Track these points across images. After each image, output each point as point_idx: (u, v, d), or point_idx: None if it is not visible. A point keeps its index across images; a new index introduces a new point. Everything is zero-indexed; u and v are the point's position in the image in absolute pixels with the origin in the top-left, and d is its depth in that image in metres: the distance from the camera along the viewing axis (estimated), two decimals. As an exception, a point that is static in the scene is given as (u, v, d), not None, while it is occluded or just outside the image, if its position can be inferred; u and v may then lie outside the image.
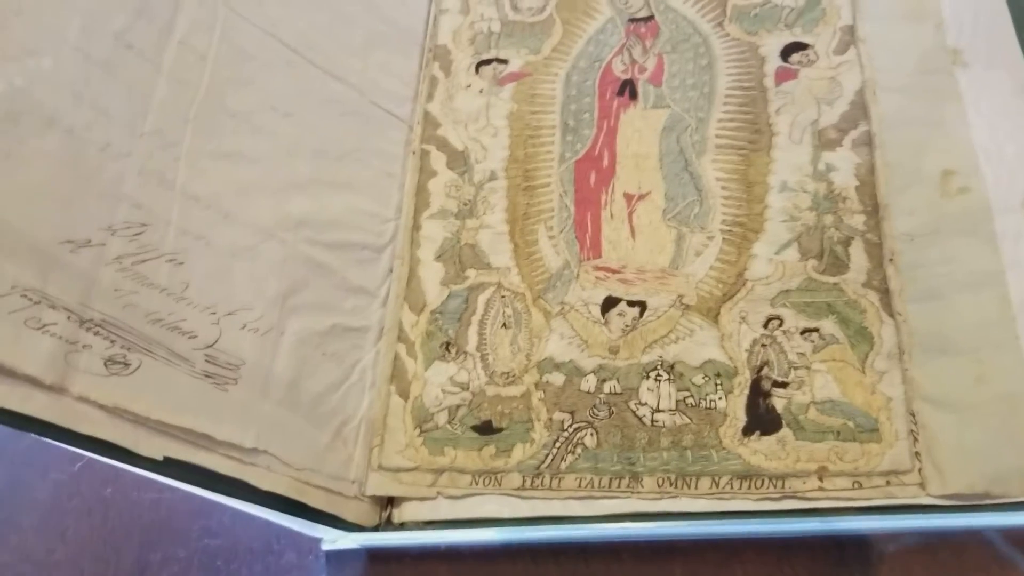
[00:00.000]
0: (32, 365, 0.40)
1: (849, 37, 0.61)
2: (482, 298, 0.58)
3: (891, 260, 0.53)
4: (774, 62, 0.62)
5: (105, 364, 0.43)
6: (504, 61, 0.67)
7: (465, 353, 0.56)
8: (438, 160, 0.64)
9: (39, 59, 0.45)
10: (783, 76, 0.61)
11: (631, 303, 0.56)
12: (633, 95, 0.64)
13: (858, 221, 0.55)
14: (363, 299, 0.57)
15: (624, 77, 0.65)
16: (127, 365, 0.44)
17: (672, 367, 0.53)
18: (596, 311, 0.56)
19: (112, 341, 0.43)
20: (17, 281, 0.41)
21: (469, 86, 0.66)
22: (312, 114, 0.58)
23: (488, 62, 0.67)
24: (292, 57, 0.58)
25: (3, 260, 0.40)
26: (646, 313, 0.55)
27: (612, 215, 0.59)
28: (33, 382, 0.40)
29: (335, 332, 0.55)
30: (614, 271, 0.57)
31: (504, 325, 0.57)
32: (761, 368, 0.52)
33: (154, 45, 0.51)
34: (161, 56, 0.51)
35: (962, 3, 0.60)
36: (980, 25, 0.59)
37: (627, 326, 0.55)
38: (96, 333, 0.43)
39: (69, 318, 0.42)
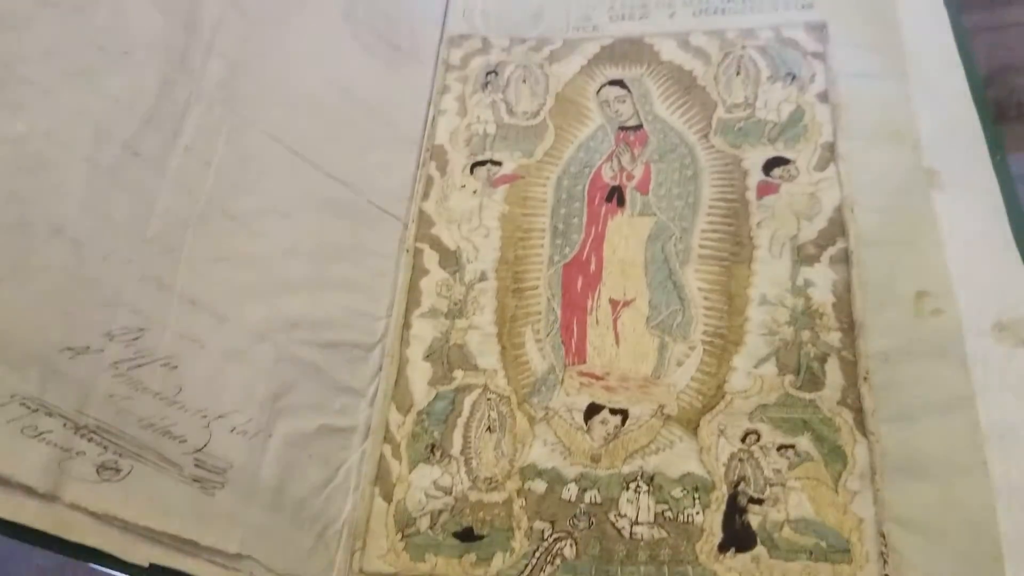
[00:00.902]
0: (28, 474, 0.41)
1: (830, 154, 0.64)
2: (468, 400, 0.59)
3: (865, 379, 0.55)
4: (756, 175, 0.65)
5: (97, 470, 0.45)
6: (498, 163, 0.70)
7: (450, 456, 0.57)
8: (431, 259, 0.66)
9: (50, 171, 0.47)
10: (765, 190, 0.64)
11: (614, 411, 0.57)
12: (621, 202, 0.66)
13: (834, 338, 0.57)
14: (351, 398, 0.59)
15: (613, 183, 0.67)
16: (118, 471, 0.45)
17: (652, 479, 0.54)
18: (579, 417, 0.58)
19: (105, 447, 0.45)
20: (17, 390, 0.42)
21: (463, 186, 0.69)
22: (310, 214, 0.60)
23: (483, 163, 0.70)
24: (294, 160, 0.61)
25: (5, 370, 0.42)
26: (628, 422, 0.57)
27: (598, 320, 0.61)
28: (27, 491, 0.41)
29: (322, 433, 0.56)
30: (598, 378, 0.59)
31: (489, 428, 0.58)
32: (738, 483, 0.53)
33: (161, 151, 0.53)
34: (167, 162, 0.53)
35: (939, 126, 0.63)
36: (956, 148, 0.62)
37: (609, 434, 0.57)
38: (90, 440, 0.44)
39: (65, 425, 0.44)
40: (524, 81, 0.74)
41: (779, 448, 0.54)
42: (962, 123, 0.63)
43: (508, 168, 0.70)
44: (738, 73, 0.70)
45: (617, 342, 0.60)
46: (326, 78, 0.65)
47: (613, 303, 0.62)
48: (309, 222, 0.60)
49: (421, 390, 0.60)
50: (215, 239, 0.54)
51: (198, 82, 0.56)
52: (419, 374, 0.61)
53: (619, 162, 0.68)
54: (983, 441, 0.51)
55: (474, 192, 0.69)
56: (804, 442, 0.54)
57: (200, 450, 0.49)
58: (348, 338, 0.60)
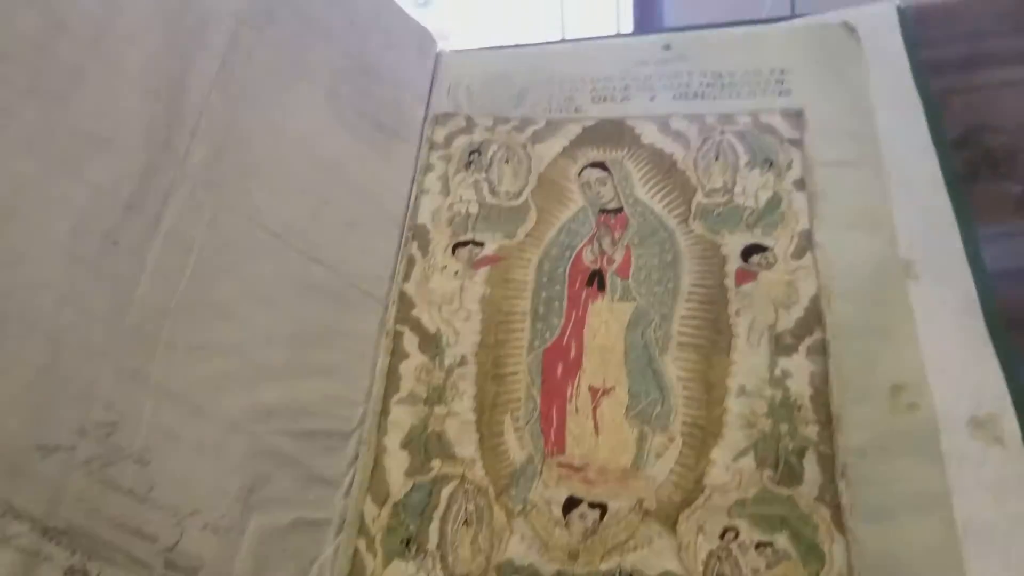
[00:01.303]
0: (-9, 584, 0.41)
1: (806, 242, 0.65)
2: (446, 491, 0.59)
3: (843, 475, 0.55)
4: (735, 262, 0.65)
5: (64, 574, 0.44)
6: (480, 244, 0.70)
7: (426, 551, 0.57)
8: (411, 342, 0.66)
9: (27, 265, 0.47)
10: (743, 277, 0.65)
11: (592, 505, 0.57)
12: (601, 286, 0.67)
13: (812, 431, 0.57)
14: (326, 490, 0.58)
15: (593, 267, 0.68)
16: (86, 574, 0.44)
17: (630, 576, 0.54)
18: (558, 511, 0.57)
19: (73, 551, 0.44)
20: (-16, 494, 0.42)
21: (445, 267, 0.69)
22: (290, 299, 0.61)
23: (465, 244, 0.70)
24: (275, 243, 0.61)
25: (-27, 474, 0.42)
26: (607, 517, 0.57)
27: (577, 409, 0.61)
28: (-9, 600, 0.41)
29: (296, 527, 0.55)
30: (577, 469, 0.59)
31: (466, 522, 0.58)
32: (716, 583, 0.53)
33: (141, 239, 0.53)
34: (147, 250, 0.53)
35: (913, 216, 0.64)
36: (931, 239, 0.63)
37: (588, 529, 0.56)
38: (58, 543, 0.44)
39: (32, 528, 0.43)
40: (507, 161, 0.75)
41: (757, 546, 0.54)
42: (937, 214, 0.64)
43: (490, 249, 0.70)
44: (717, 158, 0.71)
45: (597, 432, 0.60)
46: (310, 159, 0.66)
47: (593, 391, 0.62)
48: (290, 306, 0.60)
49: (398, 480, 0.60)
50: (193, 327, 0.54)
51: (181, 167, 0.57)
52: (396, 463, 0.61)
53: (600, 245, 0.69)
54: (959, 540, 0.51)
55: (456, 273, 0.69)
56: (782, 540, 0.54)
57: (171, 549, 0.48)
58: (325, 426, 0.59)
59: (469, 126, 0.77)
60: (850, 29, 0.75)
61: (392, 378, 0.64)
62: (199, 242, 0.56)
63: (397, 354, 0.65)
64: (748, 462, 0.57)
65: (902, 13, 0.75)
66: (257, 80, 0.63)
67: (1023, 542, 0.51)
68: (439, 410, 0.62)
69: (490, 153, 0.75)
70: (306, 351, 0.60)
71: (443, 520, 0.58)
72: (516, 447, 0.60)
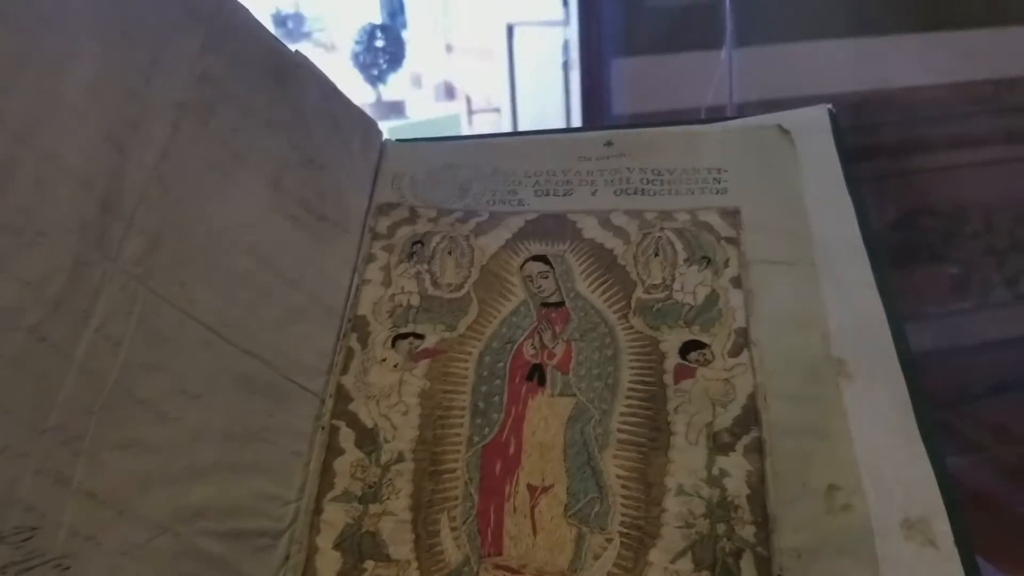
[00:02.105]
0: None
1: (743, 340, 0.67)
2: (379, 595, 0.58)
3: (779, 577, 0.56)
4: (674, 358, 0.67)
5: None
6: (420, 336, 0.71)
7: (356, 661, 0.56)
8: (347, 437, 0.66)
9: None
10: (682, 374, 0.66)
11: (528, 609, 0.57)
12: (542, 381, 0.68)
13: (748, 532, 0.58)
14: (256, 594, 0.57)
15: (534, 361, 0.69)
16: None
17: None
18: (493, 615, 0.57)
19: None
20: None
21: (384, 360, 0.70)
22: (222, 394, 0.60)
23: (405, 336, 0.71)
24: (209, 336, 0.61)
25: None
26: (543, 621, 0.56)
27: (515, 508, 0.61)
28: None
29: (223, 634, 0.54)
30: (514, 572, 0.59)
31: (399, 629, 0.57)
32: None
33: (69, 335, 0.52)
34: (75, 347, 0.52)
35: (846, 315, 0.67)
36: (863, 339, 0.66)
37: (523, 635, 0.56)
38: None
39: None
40: (450, 253, 0.76)
41: (694, 652, 0.54)
42: (868, 313, 0.67)
43: (430, 342, 0.71)
44: (656, 254, 0.73)
45: (534, 531, 0.60)
46: (249, 250, 0.66)
47: (531, 489, 0.62)
48: (222, 402, 0.60)
49: (330, 584, 0.59)
50: (119, 426, 0.53)
51: (114, 260, 0.56)
52: (328, 564, 0.60)
53: (541, 339, 0.70)
54: (893, 647, 0.52)
55: (395, 366, 0.69)
56: (719, 645, 0.54)
57: (88, 661, 0.47)
58: (255, 526, 0.58)
59: (412, 217, 0.79)
60: (784, 131, 0.78)
61: (326, 475, 0.64)
62: (129, 337, 0.56)
63: (332, 450, 0.65)
64: (686, 564, 0.57)
65: (833, 116, 0.79)
66: (197, 171, 0.64)
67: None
68: (374, 508, 0.62)
69: (433, 244, 0.77)
70: (237, 448, 0.60)
71: (375, 628, 0.57)
72: (452, 548, 0.60)
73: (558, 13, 2.54)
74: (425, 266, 0.75)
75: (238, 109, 0.69)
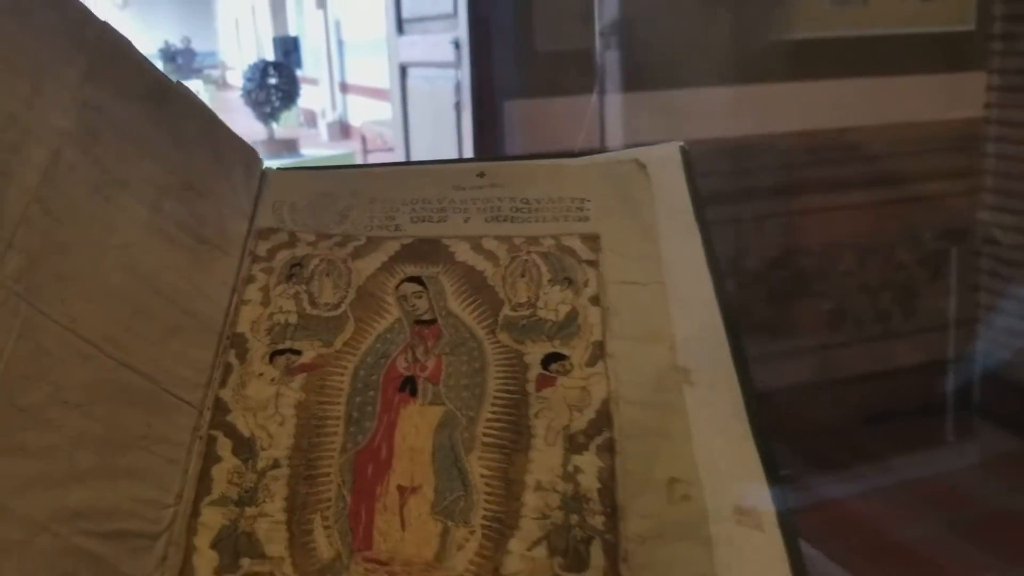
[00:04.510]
0: None
1: (599, 352, 0.77)
2: (254, 590, 0.64)
3: (625, 560, 0.64)
4: (536, 369, 0.76)
5: None
6: (298, 352, 0.78)
7: (230, 650, 0.62)
8: (224, 446, 0.71)
9: None
10: (543, 383, 0.75)
11: (396, 596, 0.64)
12: (413, 391, 0.75)
13: (598, 522, 0.67)
14: (133, 590, 0.62)
15: (407, 373, 0.76)
16: None
17: (427, 662, 0.61)
18: (363, 604, 0.64)
19: None
20: None
21: (262, 374, 0.76)
22: (102, 404, 0.65)
23: (283, 352, 0.78)
24: (89, 350, 0.66)
25: None
26: (409, 607, 0.63)
27: (385, 507, 0.68)
28: None
29: (100, 627, 0.59)
30: (383, 563, 0.65)
31: (273, 620, 0.63)
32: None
33: (-51, 346, 0.57)
34: (-45, 357, 0.57)
35: (690, 330, 0.77)
36: (704, 350, 0.76)
37: (391, 620, 0.63)
38: None
39: None
40: (328, 274, 0.83)
41: (546, 629, 0.62)
42: (711, 330, 0.78)
43: (307, 357, 0.78)
44: (523, 275, 0.83)
45: (403, 527, 0.67)
46: (129, 270, 0.72)
47: (401, 490, 0.69)
48: (101, 412, 0.65)
49: (206, 580, 0.65)
50: (1, 432, 0.58)
51: (-6, 278, 0.62)
52: (205, 562, 0.65)
53: (414, 354, 0.78)
54: (724, 614, 0.62)
55: (272, 380, 0.76)
56: (569, 621, 0.62)
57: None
58: (133, 527, 0.64)
59: (292, 241, 0.86)
60: (641, 165, 0.90)
61: (204, 481, 0.69)
62: (10, 349, 0.61)
63: (210, 458, 0.71)
64: (541, 551, 0.66)
65: (684, 153, 0.91)
66: (79, 194, 0.70)
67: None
68: (250, 511, 0.68)
69: (311, 266, 0.84)
70: (116, 455, 0.65)
71: (250, 618, 0.63)
72: (325, 544, 0.66)
73: (450, 55, 2.67)
74: (303, 287, 0.82)
75: (120, 137, 0.76)
